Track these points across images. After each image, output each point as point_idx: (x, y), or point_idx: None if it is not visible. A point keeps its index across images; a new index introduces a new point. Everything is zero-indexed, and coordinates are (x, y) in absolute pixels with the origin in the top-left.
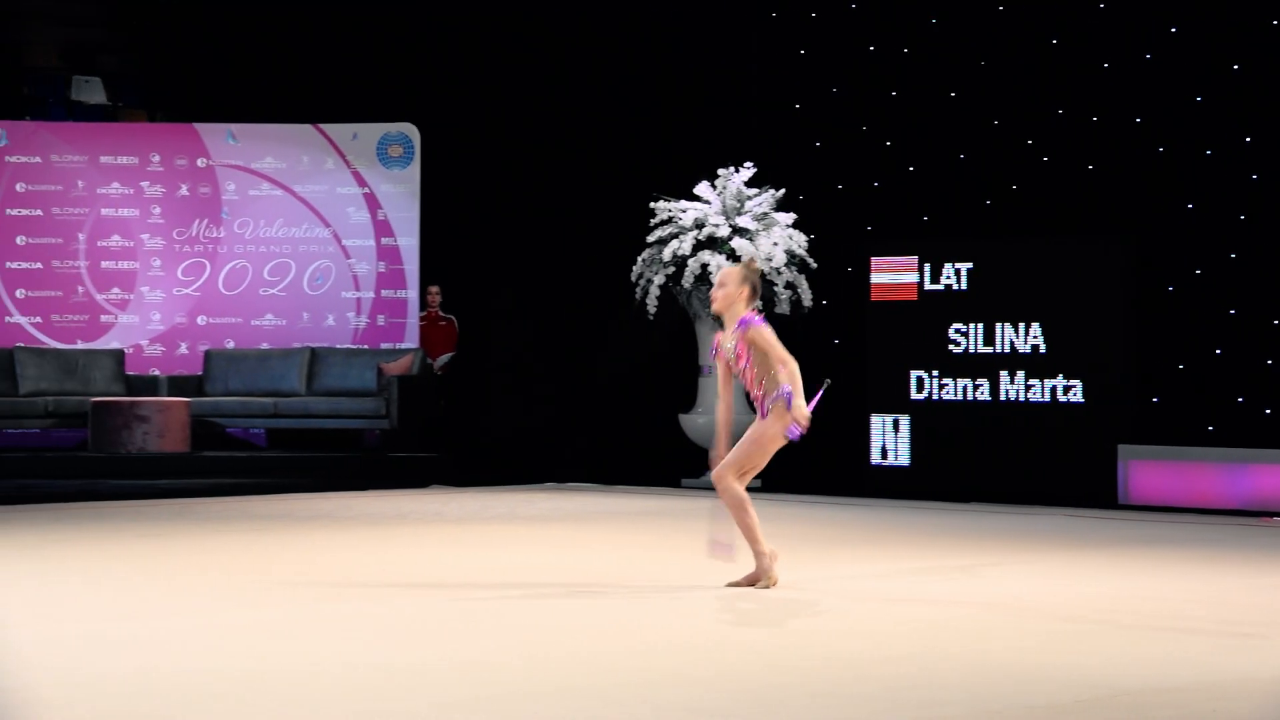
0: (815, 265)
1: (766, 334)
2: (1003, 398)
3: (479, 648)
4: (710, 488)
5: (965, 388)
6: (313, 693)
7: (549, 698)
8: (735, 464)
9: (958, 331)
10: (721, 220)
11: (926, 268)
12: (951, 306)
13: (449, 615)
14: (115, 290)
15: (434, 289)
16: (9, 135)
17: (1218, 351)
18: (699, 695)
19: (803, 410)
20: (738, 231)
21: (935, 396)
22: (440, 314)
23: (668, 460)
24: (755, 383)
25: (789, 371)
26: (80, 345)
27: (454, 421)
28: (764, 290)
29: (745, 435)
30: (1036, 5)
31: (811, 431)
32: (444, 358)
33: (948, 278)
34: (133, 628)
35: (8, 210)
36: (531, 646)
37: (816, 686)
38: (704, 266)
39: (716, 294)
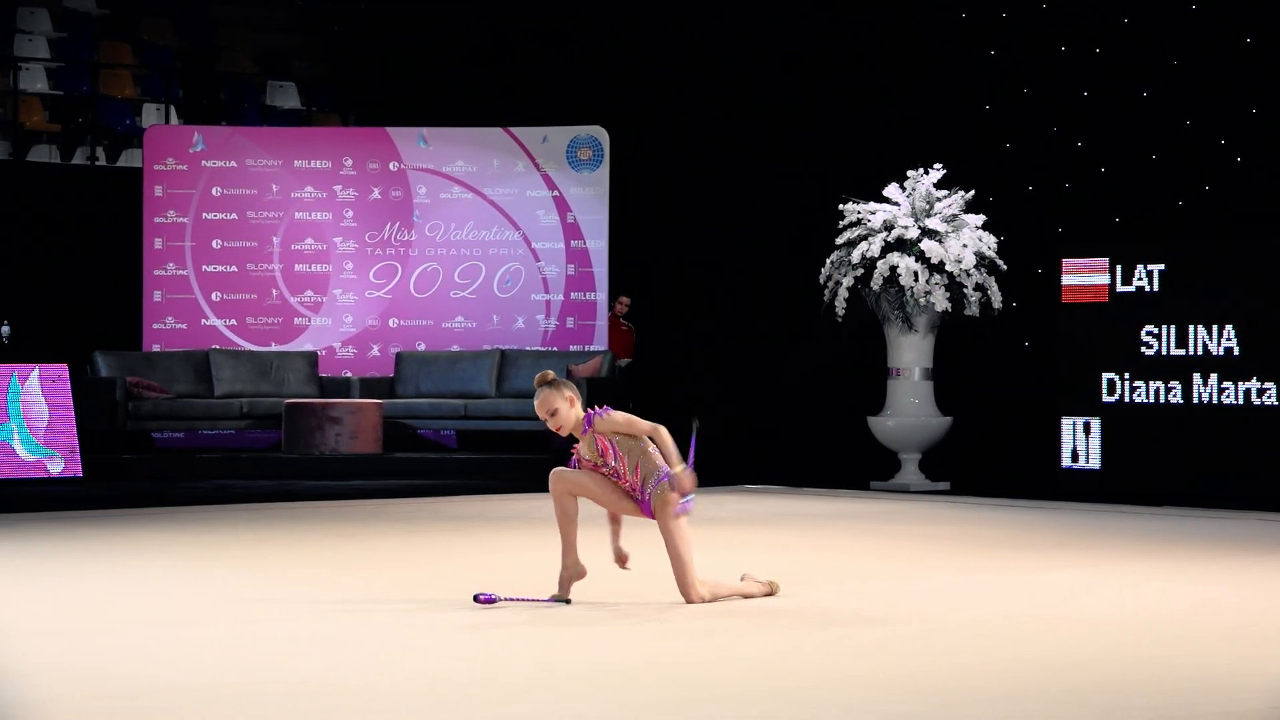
0: (1005, 267)
1: (616, 416)
2: (1195, 400)
3: (666, 649)
4: (899, 490)
5: (1157, 390)
6: (498, 693)
7: (736, 699)
8: (690, 573)
9: (1149, 334)
10: (910, 222)
11: (1118, 269)
12: (1143, 308)
13: (635, 616)
14: (308, 293)
15: (624, 299)
16: (205, 140)
17: None
18: (890, 697)
19: (683, 479)
20: (927, 233)
21: (1127, 399)
22: (622, 322)
23: (856, 462)
24: (631, 472)
25: (660, 437)
26: (274, 347)
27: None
28: (954, 292)
29: (666, 541)
30: (1230, 4)
31: (1002, 434)
32: (620, 362)
33: (1139, 279)
34: (324, 628)
35: (204, 214)
36: (719, 648)
37: (1009, 688)
38: (893, 269)
39: (552, 424)
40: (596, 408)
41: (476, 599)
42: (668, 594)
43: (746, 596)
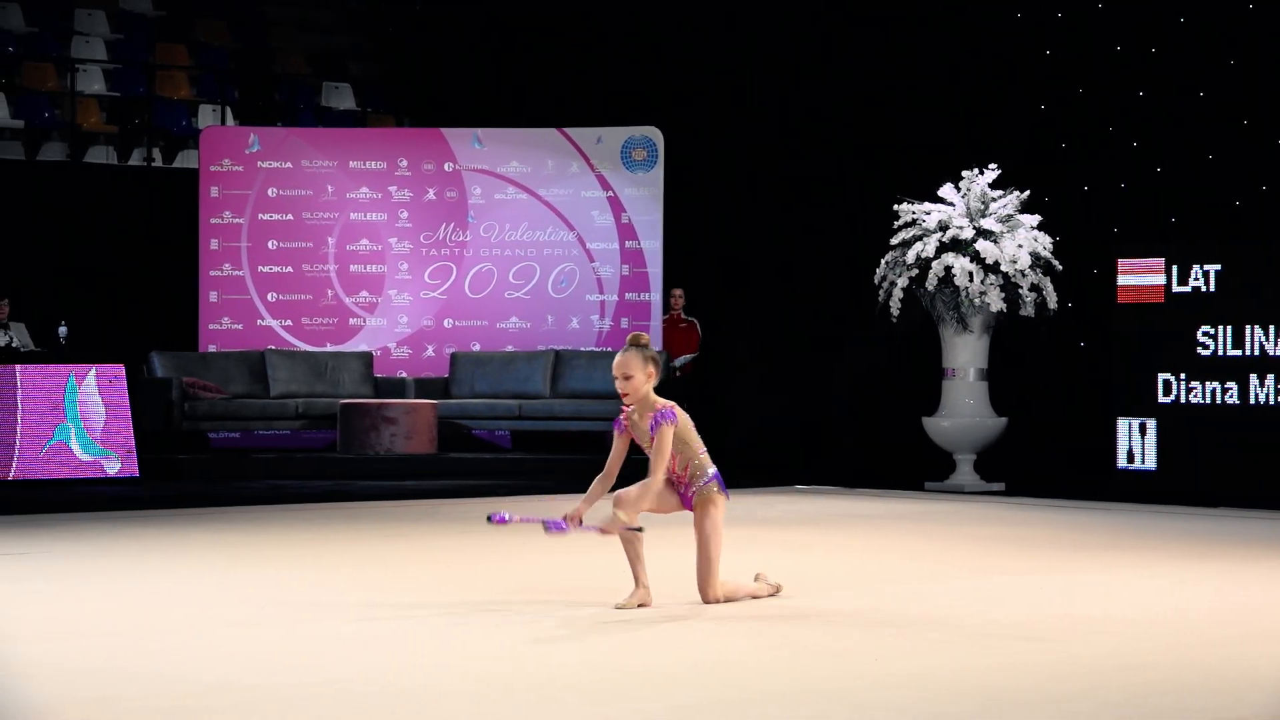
0: (1060, 267)
1: (666, 436)
2: (1252, 401)
3: (715, 650)
4: (953, 491)
5: (1213, 391)
6: (551, 694)
7: (787, 700)
8: (715, 574)
9: (1206, 334)
10: (966, 223)
11: (1174, 269)
12: (1199, 308)
13: (688, 617)
14: (363, 293)
15: (677, 292)
16: (261, 141)
17: None
18: (940, 697)
19: (610, 527)
20: (982, 234)
21: (1183, 400)
22: (682, 316)
23: (910, 463)
24: (680, 467)
25: (654, 480)
26: (329, 348)
27: (696, 423)
28: (1009, 293)
29: (700, 538)
30: None
31: (1057, 435)
32: (684, 358)
33: (1196, 279)
34: (377, 629)
35: (259, 215)
36: (768, 649)
37: (1060, 690)
38: (948, 269)
39: (622, 386)
40: (668, 410)
41: (491, 519)
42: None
43: (755, 597)
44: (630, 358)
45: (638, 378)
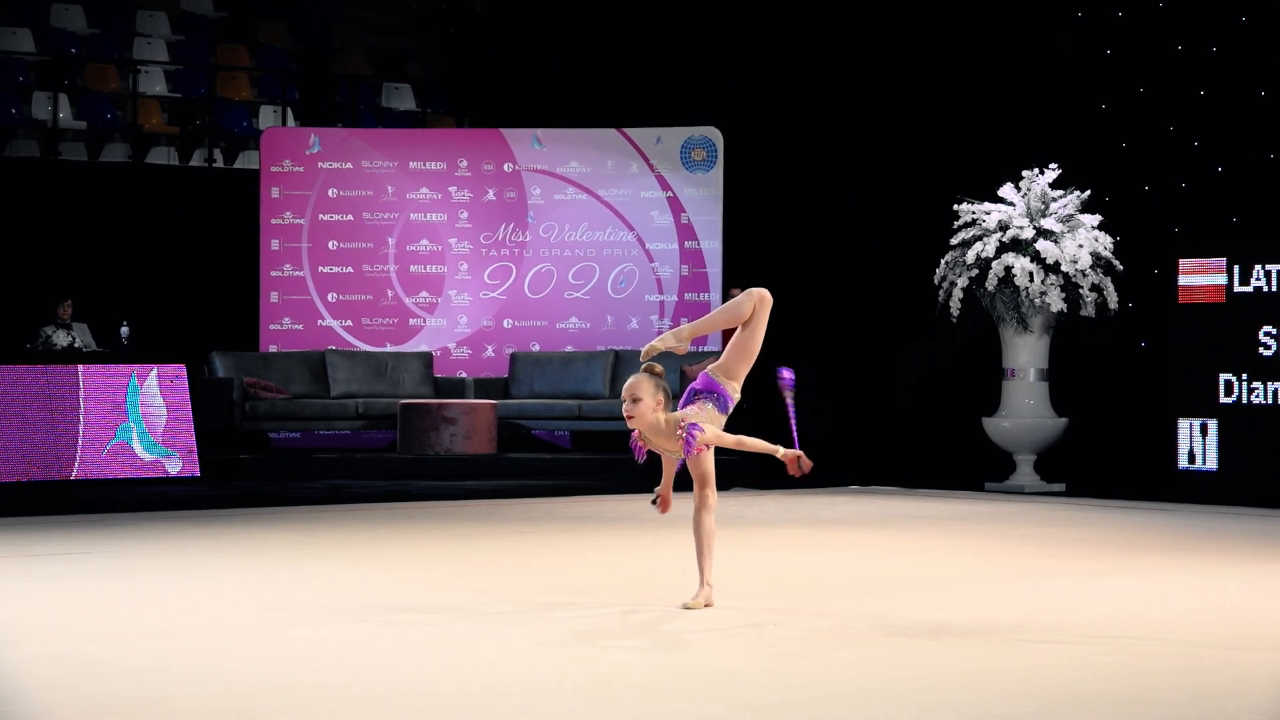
0: (1121, 267)
1: (706, 464)
2: None
3: (777, 650)
4: (1013, 492)
5: (1275, 391)
6: (615, 694)
7: (848, 700)
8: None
9: (1268, 334)
10: (1026, 222)
11: (1236, 269)
12: (1261, 308)
13: (747, 618)
14: (423, 294)
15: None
16: (321, 142)
17: None
18: (1002, 699)
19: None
20: (1042, 234)
21: (1244, 400)
22: None
23: (970, 464)
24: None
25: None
26: (389, 348)
27: (755, 423)
28: (1070, 293)
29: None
30: None
31: (1117, 435)
32: None
33: (1258, 280)
34: (438, 630)
35: (320, 215)
36: (828, 650)
37: (1123, 692)
38: (1008, 269)
39: (629, 409)
40: (691, 425)
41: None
42: (788, 597)
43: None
44: (642, 381)
45: (646, 402)
